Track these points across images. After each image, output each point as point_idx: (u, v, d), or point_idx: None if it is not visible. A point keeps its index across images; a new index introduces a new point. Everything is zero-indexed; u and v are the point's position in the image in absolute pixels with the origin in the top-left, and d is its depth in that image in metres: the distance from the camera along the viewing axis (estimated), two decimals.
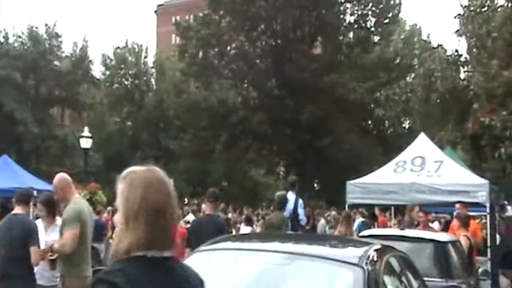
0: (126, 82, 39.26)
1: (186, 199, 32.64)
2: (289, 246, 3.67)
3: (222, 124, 30.43)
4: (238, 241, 4.09)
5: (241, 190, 35.04)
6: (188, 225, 12.25)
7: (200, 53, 30.75)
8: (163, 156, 36.46)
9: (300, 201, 9.12)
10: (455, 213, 9.23)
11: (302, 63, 27.90)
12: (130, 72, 39.11)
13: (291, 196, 8.81)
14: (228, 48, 31.04)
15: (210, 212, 7.13)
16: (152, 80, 40.96)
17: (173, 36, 44.00)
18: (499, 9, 10.11)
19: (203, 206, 18.60)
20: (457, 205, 9.02)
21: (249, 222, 12.65)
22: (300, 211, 8.98)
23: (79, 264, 4.77)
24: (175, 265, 1.79)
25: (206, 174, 35.08)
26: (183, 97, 33.76)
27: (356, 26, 31.22)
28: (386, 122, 29.61)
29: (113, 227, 11.65)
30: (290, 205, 8.55)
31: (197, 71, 30.86)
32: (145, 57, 40.49)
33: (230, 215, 17.57)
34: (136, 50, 39.76)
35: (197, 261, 3.59)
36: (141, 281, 1.65)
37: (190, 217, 16.89)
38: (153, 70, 41.03)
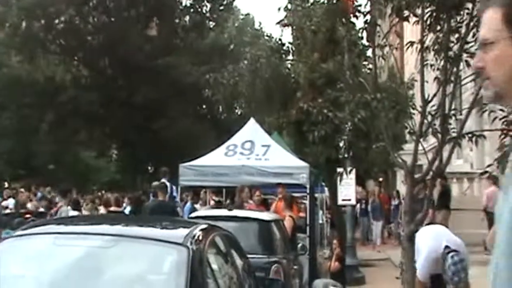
0: None
1: (6, 183, 29.94)
2: (113, 228, 3.60)
3: (49, 103, 28.39)
4: (60, 224, 3.89)
5: (70, 173, 33.19)
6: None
7: (23, 24, 28.19)
8: None
9: (174, 188, 10.31)
10: (278, 195, 9.92)
11: (136, 44, 27.24)
12: None
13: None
14: (56, 21, 28.93)
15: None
16: None
17: None
18: (320, 5, 10.95)
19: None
20: (280, 188, 9.73)
21: (76, 206, 12.07)
22: (175, 195, 10.37)
23: None
24: None
25: (30, 156, 32.51)
26: (3, 70, 30.69)
27: (192, 10, 31.38)
28: (220, 107, 30.41)
29: None
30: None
31: (20, 43, 28.27)
32: None
33: (57, 199, 16.51)
34: None
35: (12, 247, 3.34)
36: None
37: (10, 201, 15.51)
38: None
